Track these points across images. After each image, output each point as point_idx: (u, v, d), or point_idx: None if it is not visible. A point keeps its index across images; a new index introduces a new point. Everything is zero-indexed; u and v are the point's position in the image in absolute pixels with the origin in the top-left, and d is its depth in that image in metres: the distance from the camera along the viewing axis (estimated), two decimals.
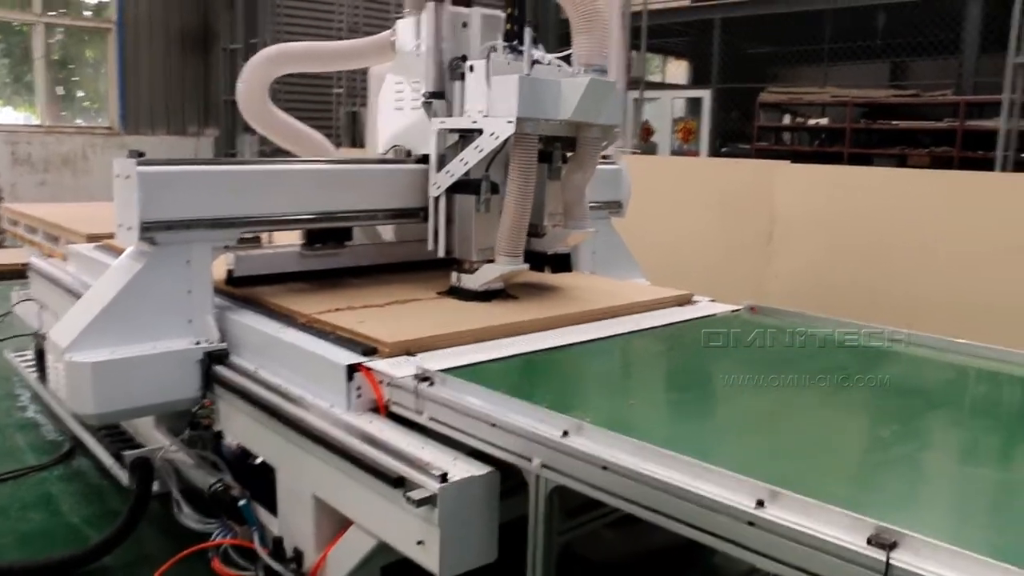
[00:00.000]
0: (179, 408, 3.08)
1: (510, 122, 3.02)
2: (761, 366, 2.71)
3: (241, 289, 3.39)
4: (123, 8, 12.83)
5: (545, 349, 2.73)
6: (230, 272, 3.44)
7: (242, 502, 2.88)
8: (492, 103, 3.09)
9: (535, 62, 3.14)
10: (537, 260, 3.51)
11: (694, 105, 15.42)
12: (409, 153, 3.67)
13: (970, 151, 11.18)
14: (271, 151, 12.42)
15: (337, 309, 3.03)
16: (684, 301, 3.54)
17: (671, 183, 6.45)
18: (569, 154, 3.53)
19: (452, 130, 3.32)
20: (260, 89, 4.48)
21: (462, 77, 3.28)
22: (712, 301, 3.61)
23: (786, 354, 2.93)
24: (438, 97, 3.38)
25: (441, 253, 3.37)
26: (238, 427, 2.96)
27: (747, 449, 1.99)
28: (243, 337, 3.05)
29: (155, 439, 3.53)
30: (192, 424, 3.09)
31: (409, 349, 2.63)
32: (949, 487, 1.91)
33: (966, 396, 2.70)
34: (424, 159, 3.47)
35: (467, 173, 3.24)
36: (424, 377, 2.35)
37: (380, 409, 2.50)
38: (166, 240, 2.95)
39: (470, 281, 3.30)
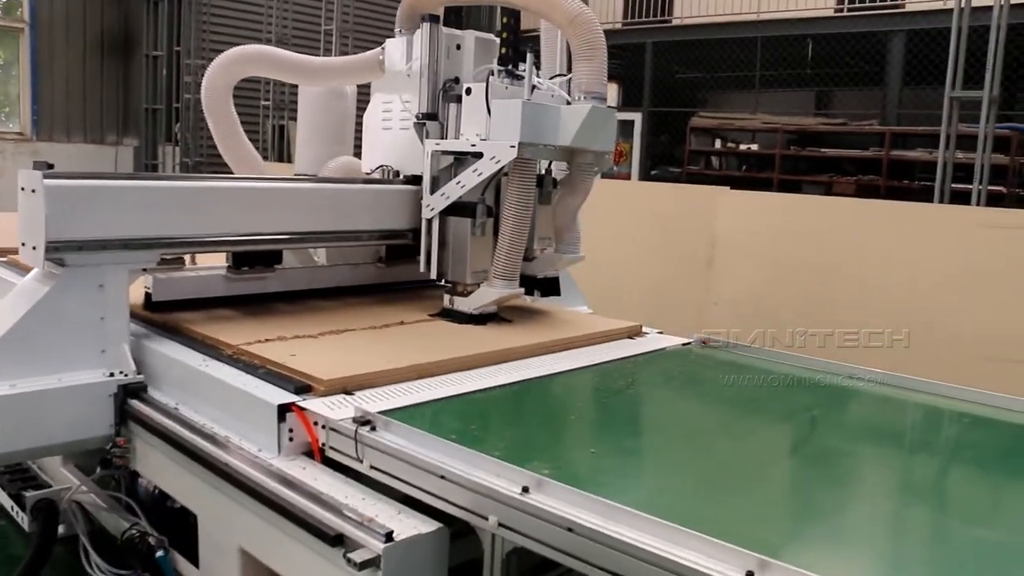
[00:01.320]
0: (90, 447, 2.79)
1: (512, 147, 3.00)
2: (725, 406, 2.59)
3: (161, 315, 3.13)
4: (36, 8, 12.22)
5: (496, 386, 2.54)
6: (148, 296, 3.17)
7: (160, 553, 2.62)
8: (493, 127, 3.08)
9: (534, 87, 3.13)
10: (527, 284, 3.47)
11: (625, 127, 15.47)
12: (398, 173, 3.65)
13: (895, 180, 11.42)
14: (193, 164, 12.06)
15: (267, 339, 2.80)
16: (634, 333, 3.40)
17: (609, 206, 6.35)
18: (557, 178, 3.55)
19: (447, 152, 3.30)
20: (225, 86, 4.16)
21: (457, 99, 3.27)
22: (660, 333, 3.48)
23: (747, 393, 2.80)
24: (431, 119, 3.37)
25: (433, 276, 3.35)
26: (156, 469, 2.69)
27: (729, 508, 1.82)
28: (163, 369, 2.79)
29: (62, 478, 3.23)
30: (104, 463, 2.81)
31: (346, 386, 2.41)
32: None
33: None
34: (413, 180, 3.48)
35: (462, 195, 3.21)
36: (364, 420, 2.14)
37: (315, 454, 2.28)
38: (76, 261, 2.67)
39: (464, 304, 3.29)
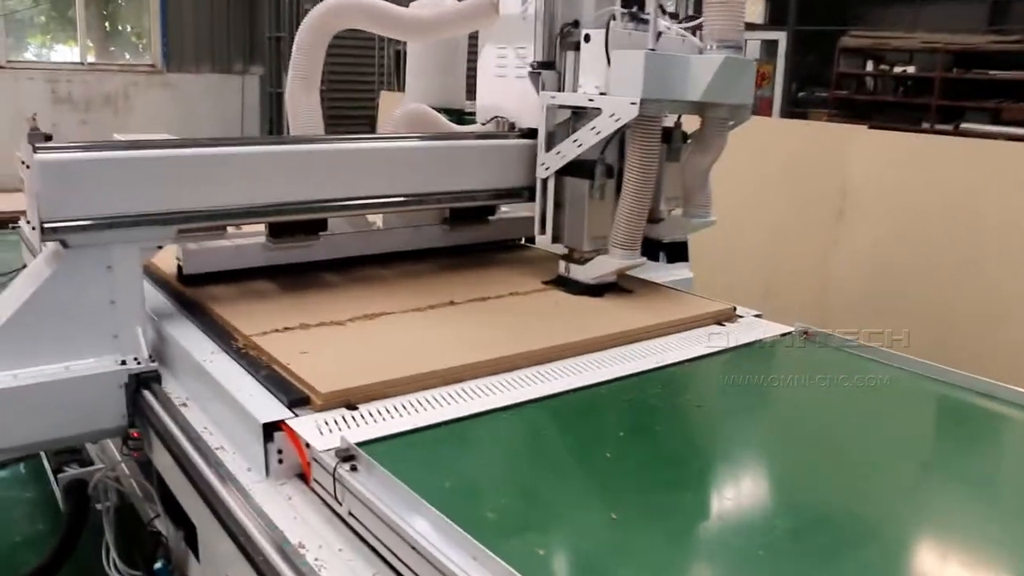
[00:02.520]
0: (103, 438, 2.62)
1: (633, 103, 2.67)
2: (818, 442, 2.08)
3: (194, 288, 2.87)
4: None
5: (530, 401, 2.13)
6: (180, 268, 2.92)
7: (158, 564, 2.39)
8: (612, 80, 2.77)
9: (659, 33, 2.77)
10: (652, 248, 3.22)
11: (769, 47, 14.34)
12: (512, 126, 3.41)
13: None
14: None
15: (285, 328, 2.48)
16: (725, 317, 2.90)
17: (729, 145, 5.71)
18: (689, 132, 3.19)
19: (564, 106, 3.01)
20: (316, 44, 3.72)
21: (575, 47, 2.96)
22: (758, 316, 2.96)
23: (852, 415, 2.27)
24: (548, 68, 3.06)
25: (549, 240, 3.11)
26: (165, 467, 2.44)
27: None
28: (178, 358, 2.53)
29: (108, 454, 3.08)
30: (125, 442, 2.60)
31: (349, 399, 2.06)
32: None
33: None
34: (529, 133, 3.22)
35: (580, 154, 2.93)
36: (347, 455, 1.78)
37: (306, 476, 1.96)
38: (80, 242, 2.40)
39: (580, 273, 3.06)
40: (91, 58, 12.41)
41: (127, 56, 13.04)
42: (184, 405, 2.36)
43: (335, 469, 1.75)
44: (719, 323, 2.86)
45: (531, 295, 2.99)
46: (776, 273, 5.33)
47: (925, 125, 11.39)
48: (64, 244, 2.39)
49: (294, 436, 1.95)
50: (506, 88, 3.43)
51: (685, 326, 2.77)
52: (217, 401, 2.22)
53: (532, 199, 3.16)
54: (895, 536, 1.67)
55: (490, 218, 3.59)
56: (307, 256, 3.10)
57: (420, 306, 2.76)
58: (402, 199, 3.06)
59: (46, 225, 2.33)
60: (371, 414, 2.02)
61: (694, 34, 2.92)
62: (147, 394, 2.43)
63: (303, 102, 3.59)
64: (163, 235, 2.58)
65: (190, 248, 2.90)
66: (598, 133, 2.82)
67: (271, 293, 2.89)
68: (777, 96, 13.60)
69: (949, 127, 11.18)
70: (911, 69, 12.37)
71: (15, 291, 2.50)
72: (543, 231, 3.11)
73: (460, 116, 4.64)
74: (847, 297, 4.95)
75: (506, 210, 3.75)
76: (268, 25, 12.60)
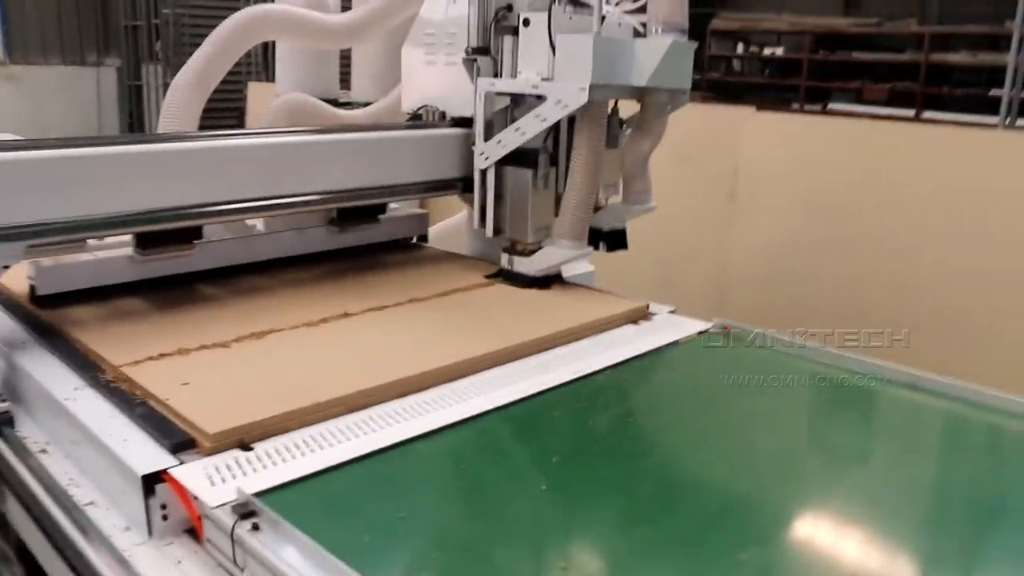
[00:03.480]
0: None
1: (583, 89, 2.59)
2: (766, 459, 1.94)
3: (49, 311, 2.52)
4: None
5: (447, 426, 1.91)
6: (32, 289, 2.57)
7: None
8: (558, 66, 2.67)
9: (603, 17, 2.73)
10: (592, 237, 3.06)
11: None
12: (444, 115, 3.29)
13: (933, 87, 10.50)
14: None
15: (161, 355, 2.18)
16: (640, 316, 2.75)
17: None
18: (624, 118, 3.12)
19: (503, 93, 2.93)
20: (229, 55, 3.44)
21: (512, 31, 2.87)
22: (672, 312, 2.83)
23: (793, 418, 2.16)
24: (483, 54, 2.96)
25: (489, 233, 3.02)
26: (22, 525, 2.11)
27: None
28: (33, 395, 2.18)
29: None
30: None
31: (243, 438, 1.80)
32: None
33: None
34: (461, 122, 3.15)
35: (522, 143, 2.85)
36: (246, 512, 1.52)
37: (198, 533, 1.68)
38: None
39: (525, 265, 2.96)
40: None
41: None
42: (44, 451, 2.04)
43: (233, 529, 1.49)
44: (634, 322, 2.71)
45: (432, 300, 2.76)
46: (672, 260, 5.27)
47: (795, 106, 11.71)
48: None
49: (180, 488, 1.67)
50: (434, 76, 3.31)
51: (601, 327, 2.60)
52: (84, 446, 1.91)
53: (467, 191, 3.10)
54: None
55: (380, 217, 3.35)
56: (184, 267, 2.78)
57: (312, 320, 2.49)
58: (321, 196, 2.87)
59: None
60: (269, 455, 1.75)
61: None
62: None
63: (190, 100, 3.24)
64: (9, 253, 2.24)
65: (44, 265, 2.55)
66: (543, 120, 2.73)
67: (142, 312, 2.56)
68: None
69: (817, 107, 11.52)
70: (779, 51, 12.69)
71: None
72: (483, 224, 3.02)
73: (335, 106, 4.37)
74: (745, 280, 4.93)
75: (395, 207, 3.53)
76: (124, 12, 11.80)
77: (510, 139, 2.85)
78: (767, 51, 12.89)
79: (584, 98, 2.60)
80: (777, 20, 12.21)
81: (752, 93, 12.46)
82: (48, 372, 2.18)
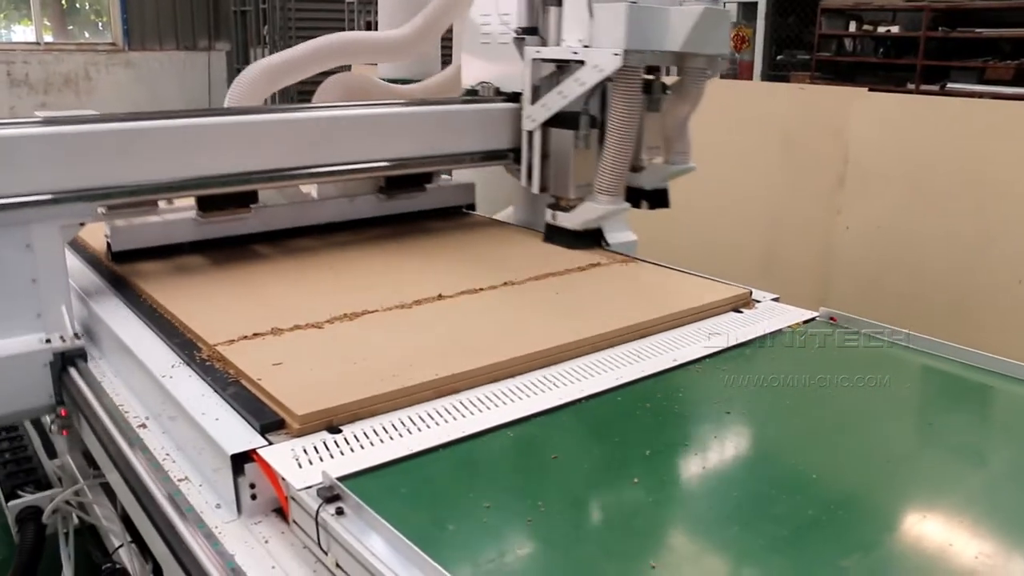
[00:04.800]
0: (31, 416, 2.74)
1: (616, 55, 2.77)
2: (873, 458, 1.81)
3: (124, 266, 2.79)
4: None
5: (533, 415, 1.86)
6: (108, 245, 2.83)
7: None
8: (595, 33, 2.86)
9: None
10: (634, 196, 3.26)
11: (748, 10, 14.04)
12: (498, 91, 3.46)
13: None
14: None
15: (255, 334, 2.19)
16: (742, 303, 2.64)
17: (720, 113, 5.41)
18: (668, 82, 3.25)
19: (548, 60, 3.13)
20: (316, 61, 3.62)
21: (558, 2, 3.07)
22: (775, 300, 2.71)
23: (903, 414, 2.03)
24: (531, 33, 3.19)
25: (535, 190, 3.26)
26: (126, 498, 2.16)
27: None
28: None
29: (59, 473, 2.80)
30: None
31: (331, 420, 1.79)
32: None
33: None
34: (513, 97, 3.34)
35: (564, 106, 3.04)
36: (331, 495, 1.51)
37: (285, 513, 1.68)
38: None
39: (567, 220, 3.18)
40: (48, 38, 11.90)
41: (86, 35, 12.53)
42: (143, 426, 2.08)
43: (318, 513, 1.48)
44: (736, 310, 2.60)
45: (527, 283, 2.72)
46: (774, 245, 5.08)
47: (910, 86, 11.17)
48: None
49: (268, 469, 1.67)
50: (490, 54, 3.46)
51: (701, 315, 2.51)
52: (178, 424, 1.94)
53: (517, 161, 3.30)
54: None
55: (427, 186, 3.56)
56: (241, 229, 3.05)
57: (405, 302, 2.47)
58: (391, 163, 3.13)
59: None
60: (356, 437, 1.74)
61: None
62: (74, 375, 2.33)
63: (255, 87, 3.37)
64: (84, 212, 2.49)
65: (118, 225, 2.82)
66: (582, 84, 2.91)
67: (201, 267, 2.82)
68: (758, 60, 13.31)
69: (935, 87, 10.96)
70: (895, 29, 12.11)
71: None
72: (529, 181, 3.24)
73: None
74: (852, 268, 4.71)
75: (446, 177, 3.81)
76: None
77: (553, 102, 3.06)
78: (881, 29, 12.30)
79: (618, 62, 2.76)
80: None
81: (864, 73, 11.94)
82: (141, 343, 2.26)
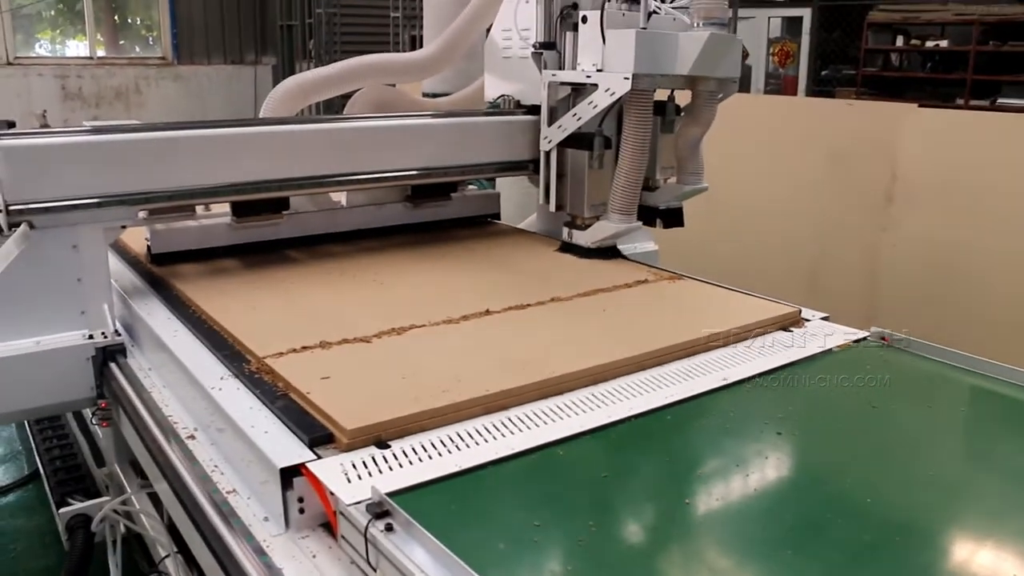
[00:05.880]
0: (73, 409, 2.95)
1: (626, 78, 2.90)
2: (928, 483, 1.77)
3: (163, 268, 2.97)
4: None
5: (584, 433, 1.84)
6: (149, 248, 3.05)
7: None
8: (607, 57, 2.99)
9: (651, 13, 2.98)
10: (649, 214, 3.37)
11: (792, 25, 13.92)
12: (519, 104, 3.60)
13: None
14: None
15: (304, 347, 2.20)
16: (791, 322, 2.60)
17: (765, 128, 5.36)
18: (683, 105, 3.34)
19: (564, 83, 3.25)
20: (345, 80, 3.78)
21: (574, 27, 3.16)
22: (825, 319, 2.67)
23: (959, 437, 1.98)
24: (549, 48, 3.28)
25: (552, 208, 3.37)
26: (174, 509, 2.18)
27: None
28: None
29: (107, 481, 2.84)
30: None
31: (380, 435, 1.79)
32: None
33: None
34: (533, 110, 3.46)
35: (579, 127, 3.16)
36: (380, 511, 1.50)
37: (333, 528, 1.68)
38: (45, 223, 2.50)
39: (582, 238, 3.30)
40: (101, 52, 12.16)
41: (137, 49, 12.79)
42: (192, 437, 2.09)
43: (367, 529, 1.48)
44: (785, 328, 2.57)
45: (574, 300, 2.70)
46: (820, 262, 5.01)
47: (959, 101, 11.00)
48: (31, 225, 2.48)
49: (317, 483, 1.67)
50: (511, 68, 3.59)
51: (750, 333, 2.47)
52: (227, 436, 1.95)
53: (537, 171, 3.40)
54: None
55: (453, 195, 3.66)
56: (273, 234, 3.18)
57: (453, 316, 2.47)
58: (416, 172, 3.26)
59: (11, 208, 2.42)
60: (405, 453, 1.74)
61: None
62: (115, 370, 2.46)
63: (287, 102, 3.49)
64: (126, 215, 2.66)
65: (157, 228, 2.97)
66: (595, 107, 3.04)
67: (236, 269, 2.95)
68: (803, 75, 13.19)
69: (985, 103, 10.77)
70: (943, 43, 11.93)
71: None
72: (547, 200, 3.36)
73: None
74: (900, 287, 4.63)
75: (472, 187, 3.94)
76: (280, 13, 12.31)
77: (568, 124, 3.17)
78: (929, 43, 12.13)
79: (627, 86, 2.89)
80: (942, 10, 11.47)
81: (912, 88, 11.77)
82: (187, 352, 2.29)
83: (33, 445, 3.37)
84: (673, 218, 3.39)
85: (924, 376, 2.32)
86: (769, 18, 14.55)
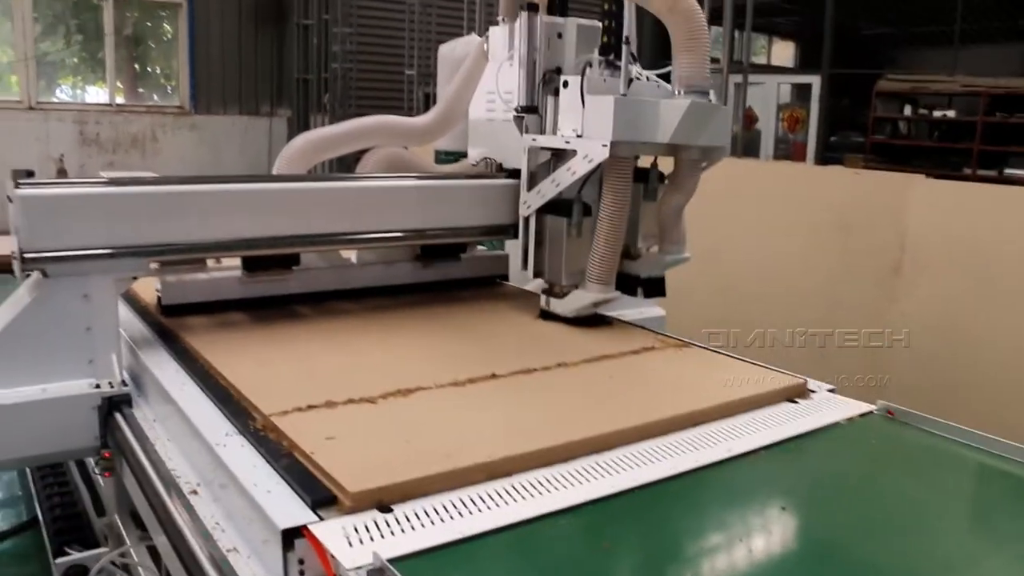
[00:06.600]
0: (77, 457, 2.95)
1: (604, 146, 2.84)
2: (937, 563, 1.75)
3: (172, 319, 2.99)
4: None
5: (589, 502, 1.84)
6: (159, 299, 3.07)
7: None
8: (587, 123, 2.94)
9: (632, 80, 2.96)
10: (630, 283, 3.28)
11: (802, 91, 14.11)
12: (500, 167, 3.57)
13: None
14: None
15: (310, 406, 2.21)
16: (797, 393, 2.60)
17: (772, 195, 5.40)
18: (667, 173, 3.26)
19: (544, 148, 3.19)
20: (353, 139, 3.79)
21: (556, 92, 3.13)
22: (831, 391, 2.66)
23: (967, 515, 1.96)
24: (531, 112, 3.24)
25: (530, 275, 3.32)
26: (172, 564, 2.17)
27: None
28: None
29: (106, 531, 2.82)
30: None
31: (383, 498, 1.78)
32: None
33: None
34: (514, 173, 3.38)
35: (559, 193, 3.11)
36: None
37: None
38: (58, 272, 2.55)
39: (560, 306, 3.20)
40: (120, 99, 12.36)
41: (155, 97, 13.00)
42: (194, 492, 2.09)
43: None
44: (791, 400, 2.56)
45: (580, 365, 2.71)
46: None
47: (966, 171, 11.10)
48: (44, 274, 2.53)
49: (319, 545, 1.66)
50: (494, 131, 3.54)
51: (755, 404, 2.47)
52: (230, 493, 1.95)
53: (517, 236, 3.33)
54: None
55: (462, 256, 3.67)
56: (282, 289, 3.20)
57: (459, 379, 2.47)
58: (395, 235, 3.27)
59: (26, 255, 2.48)
60: (408, 518, 1.73)
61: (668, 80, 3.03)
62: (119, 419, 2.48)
63: (297, 160, 3.50)
64: (137, 267, 2.72)
65: (168, 280, 3.01)
66: (573, 173, 2.98)
67: (245, 323, 2.97)
68: (812, 141, 13.34)
69: (992, 172, 10.88)
70: (951, 113, 12.09)
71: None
72: (525, 266, 3.30)
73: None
74: (907, 361, 4.62)
75: (482, 248, 3.92)
76: (296, 67, 12.54)
77: (547, 189, 3.12)
78: (937, 113, 12.30)
79: (605, 153, 2.83)
80: (950, 82, 11.65)
81: (919, 157, 11.90)
82: (195, 408, 2.29)
83: (33, 492, 3.36)
84: (654, 288, 3.32)
85: (931, 452, 2.31)
86: (779, 84, 14.78)
